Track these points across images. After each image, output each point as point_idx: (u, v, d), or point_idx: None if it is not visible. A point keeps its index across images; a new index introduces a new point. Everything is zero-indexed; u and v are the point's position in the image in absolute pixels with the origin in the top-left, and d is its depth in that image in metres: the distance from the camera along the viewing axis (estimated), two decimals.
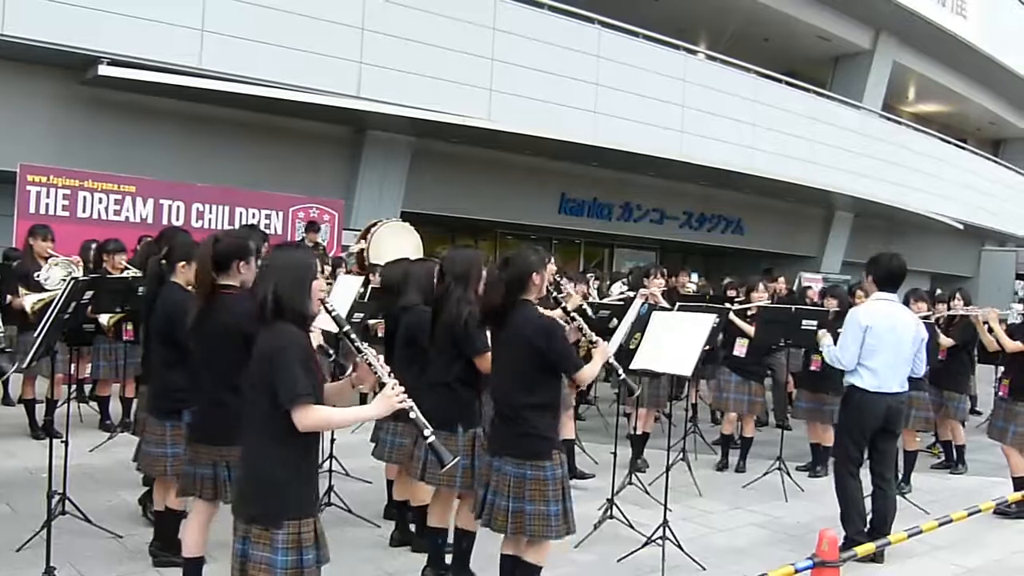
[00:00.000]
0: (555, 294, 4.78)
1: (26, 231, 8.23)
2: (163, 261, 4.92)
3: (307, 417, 3.09)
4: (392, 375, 3.30)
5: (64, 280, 6.88)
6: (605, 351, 4.46)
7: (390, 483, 6.02)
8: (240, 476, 3.26)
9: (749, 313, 8.21)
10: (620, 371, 4.95)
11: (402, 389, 3.26)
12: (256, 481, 3.16)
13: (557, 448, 4.22)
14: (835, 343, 5.95)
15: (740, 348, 8.14)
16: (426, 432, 3.32)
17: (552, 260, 7.21)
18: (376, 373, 3.32)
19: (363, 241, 11.86)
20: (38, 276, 7.36)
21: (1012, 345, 7.15)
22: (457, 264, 4.75)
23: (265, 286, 3.19)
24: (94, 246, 8.42)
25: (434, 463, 4.66)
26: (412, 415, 3.30)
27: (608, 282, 13.71)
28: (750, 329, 8.11)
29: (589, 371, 4.29)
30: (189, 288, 4.74)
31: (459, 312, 4.57)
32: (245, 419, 3.23)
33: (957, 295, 8.81)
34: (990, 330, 7.66)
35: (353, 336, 3.39)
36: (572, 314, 4.71)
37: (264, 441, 3.15)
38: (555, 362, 4.13)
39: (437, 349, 4.74)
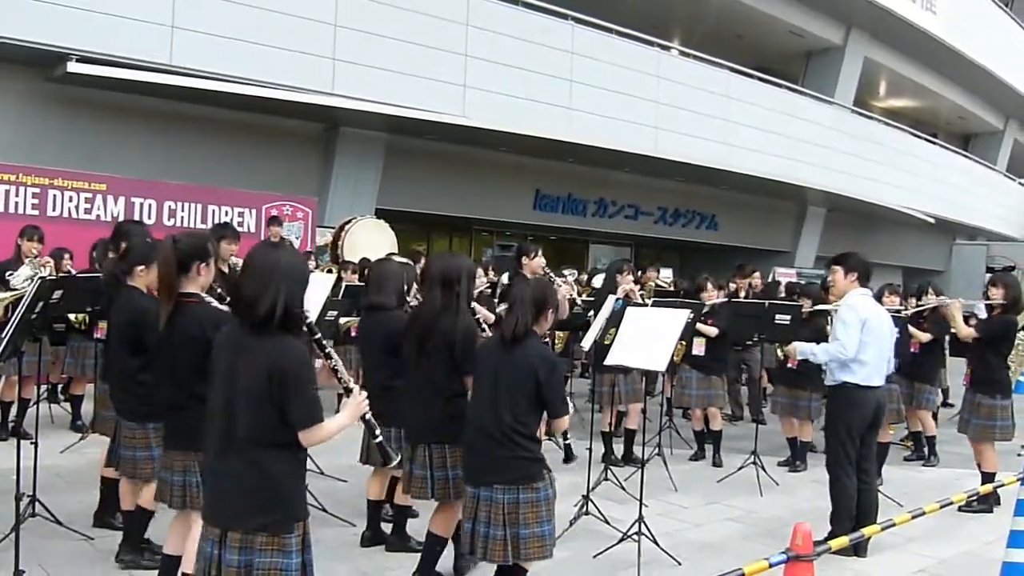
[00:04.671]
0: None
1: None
2: (119, 261, 4.86)
3: (314, 436, 3.12)
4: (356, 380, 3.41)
5: (29, 280, 6.83)
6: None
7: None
8: (240, 487, 3.10)
9: (704, 311, 8.23)
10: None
11: (365, 395, 3.35)
12: (266, 491, 3.09)
13: (547, 468, 4.21)
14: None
15: (698, 347, 8.19)
16: (376, 432, 3.47)
17: (540, 253, 7.28)
18: (341, 379, 3.39)
19: (339, 246, 11.80)
20: (9, 275, 7.30)
21: (966, 332, 7.20)
22: (452, 270, 4.68)
23: (272, 294, 3.08)
24: (66, 255, 8.32)
25: (441, 480, 4.66)
26: (366, 417, 3.41)
27: (586, 276, 13.75)
28: (710, 330, 8.15)
29: (566, 421, 4.22)
30: (148, 292, 4.69)
31: (467, 325, 4.58)
32: (240, 431, 3.10)
33: (929, 289, 8.92)
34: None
35: (324, 343, 3.42)
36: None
37: (269, 451, 3.09)
38: (547, 398, 4.11)
39: (433, 359, 4.63)
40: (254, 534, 3.06)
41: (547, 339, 4.79)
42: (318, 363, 3.57)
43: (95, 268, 7.82)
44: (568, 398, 4.32)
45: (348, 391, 3.34)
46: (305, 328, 3.31)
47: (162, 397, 4.19)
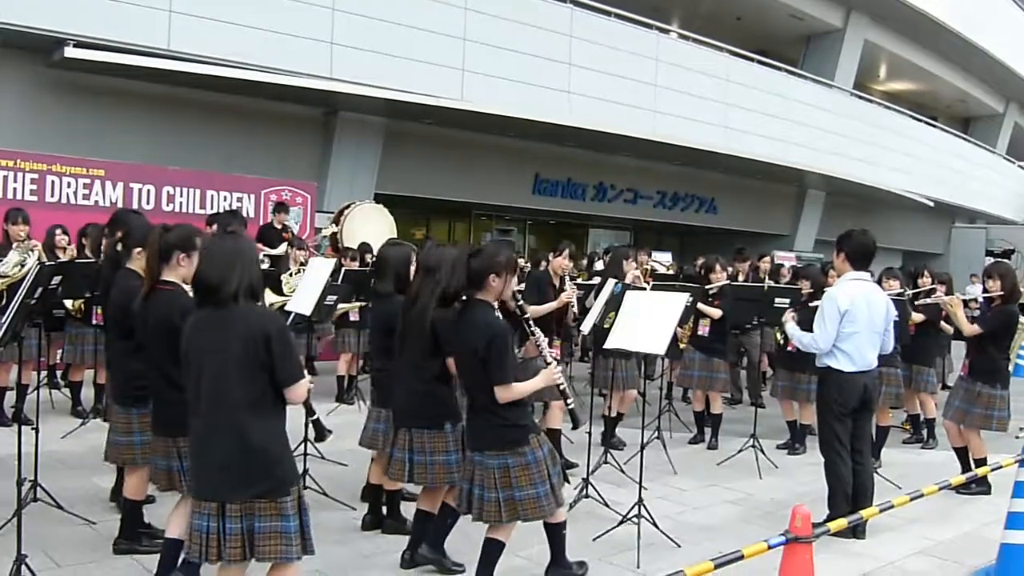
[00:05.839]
0: (520, 302, 4.60)
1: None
2: (118, 246, 4.86)
3: (297, 393, 3.38)
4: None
5: (19, 265, 6.81)
6: (550, 376, 4.31)
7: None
8: (232, 459, 3.28)
9: (711, 292, 8.24)
10: (570, 401, 4.55)
11: (309, 377, 3.56)
12: (259, 458, 3.29)
13: (533, 432, 4.27)
14: (808, 326, 5.93)
15: (703, 328, 8.20)
16: (313, 410, 3.76)
17: (566, 253, 7.22)
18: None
19: (335, 224, 11.80)
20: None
21: (970, 329, 7.16)
22: (433, 260, 4.71)
23: (236, 274, 3.34)
24: (59, 231, 8.31)
25: (420, 464, 4.70)
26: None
27: (586, 262, 13.74)
28: (714, 312, 8.15)
29: (519, 389, 4.17)
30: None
31: (444, 312, 4.57)
32: (228, 402, 3.29)
33: (924, 271, 8.92)
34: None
35: None
36: (533, 329, 4.53)
37: (259, 418, 3.30)
38: (487, 368, 4.10)
39: (414, 345, 4.68)
40: (253, 502, 3.25)
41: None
42: None
43: (84, 254, 7.82)
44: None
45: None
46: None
47: (148, 382, 4.32)
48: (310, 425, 3.85)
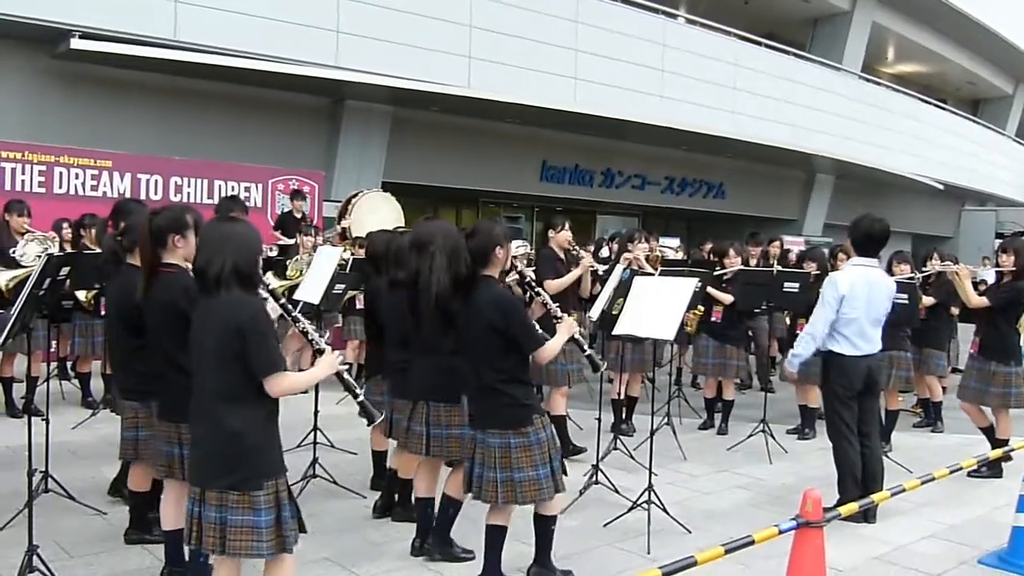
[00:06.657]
0: (520, 267, 4.74)
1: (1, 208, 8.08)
2: (119, 238, 4.83)
3: (280, 385, 3.27)
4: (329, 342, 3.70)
5: (39, 256, 6.80)
6: (570, 327, 4.46)
7: (375, 454, 6.01)
8: (209, 447, 3.29)
9: (725, 278, 8.21)
10: (585, 347, 4.94)
11: (339, 353, 3.61)
12: (231, 448, 3.24)
13: (538, 413, 4.27)
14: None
15: (716, 314, 8.17)
16: (357, 390, 3.72)
17: (567, 227, 7.23)
18: (312, 341, 3.64)
19: (345, 219, 11.79)
20: (13, 252, 7.25)
21: (976, 300, 7.10)
22: (425, 235, 4.63)
23: (220, 259, 3.28)
24: (65, 224, 8.32)
25: (437, 437, 4.70)
26: (344, 377, 3.63)
27: (593, 248, 13.70)
28: (725, 297, 8.11)
29: (551, 348, 4.29)
30: None
31: (446, 282, 4.54)
32: (207, 390, 3.29)
33: (934, 254, 8.89)
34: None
35: (289, 307, 3.71)
36: (537, 289, 4.74)
37: (234, 408, 3.25)
38: (514, 339, 4.15)
39: (427, 319, 4.64)
40: (227, 492, 3.24)
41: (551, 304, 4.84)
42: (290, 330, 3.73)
43: (82, 245, 7.81)
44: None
45: (320, 352, 3.56)
46: (267, 293, 3.53)
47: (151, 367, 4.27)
48: (358, 407, 3.77)
